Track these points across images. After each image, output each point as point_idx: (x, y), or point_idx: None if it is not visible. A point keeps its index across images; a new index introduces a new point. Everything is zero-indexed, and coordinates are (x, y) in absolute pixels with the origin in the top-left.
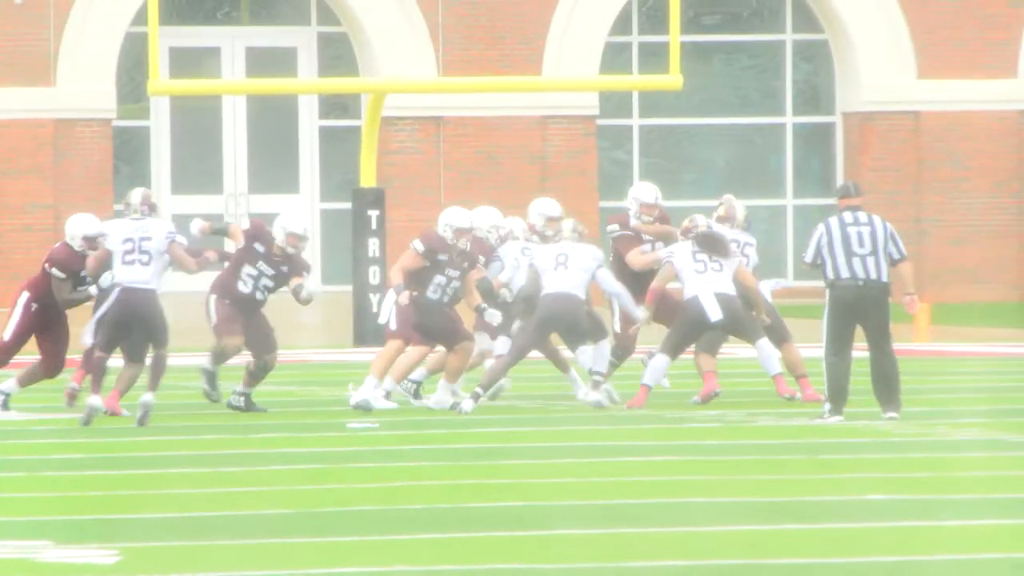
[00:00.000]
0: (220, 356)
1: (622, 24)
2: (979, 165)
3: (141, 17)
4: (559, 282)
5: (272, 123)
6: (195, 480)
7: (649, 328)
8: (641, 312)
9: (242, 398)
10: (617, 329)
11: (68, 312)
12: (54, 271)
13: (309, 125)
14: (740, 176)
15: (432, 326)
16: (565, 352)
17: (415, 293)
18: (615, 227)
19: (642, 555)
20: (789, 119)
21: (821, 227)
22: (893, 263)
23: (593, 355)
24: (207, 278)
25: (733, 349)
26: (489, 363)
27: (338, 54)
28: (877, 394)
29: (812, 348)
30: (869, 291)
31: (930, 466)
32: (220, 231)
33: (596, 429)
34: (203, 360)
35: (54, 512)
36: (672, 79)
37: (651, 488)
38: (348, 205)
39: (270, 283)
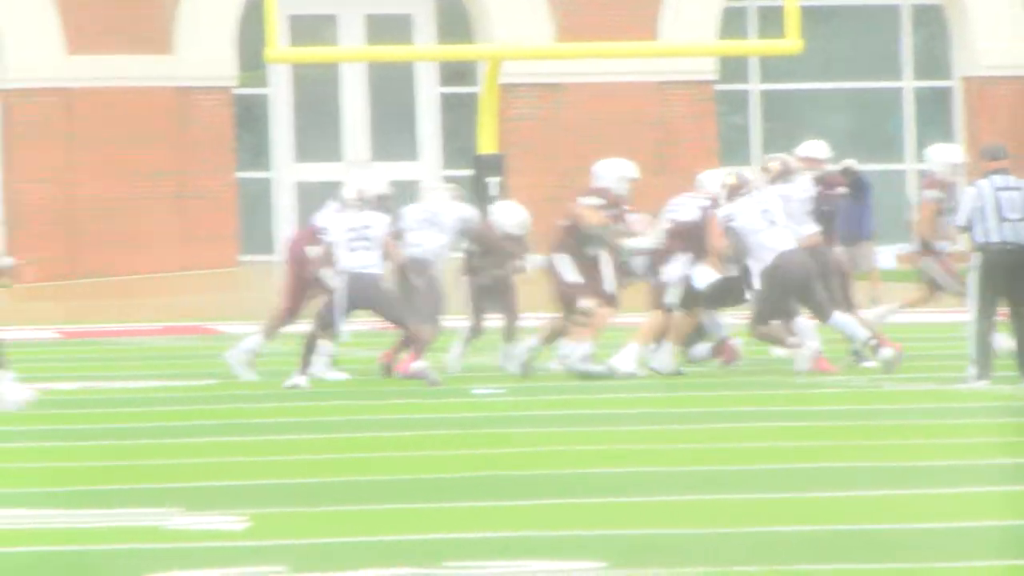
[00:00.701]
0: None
1: None
2: None
3: None
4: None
5: (391, 90)
6: (321, 446)
7: None
8: None
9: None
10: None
11: None
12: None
13: (428, 92)
14: (859, 140)
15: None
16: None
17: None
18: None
19: (757, 521)
20: (909, 83)
21: (972, 190)
22: None
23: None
24: None
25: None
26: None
27: (455, 20)
28: (1019, 360)
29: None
30: (1018, 256)
31: None
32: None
33: (713, 395)
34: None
35: (183, 479)
36: (790, 43)
37: (765, 454)
38: (469, 172)
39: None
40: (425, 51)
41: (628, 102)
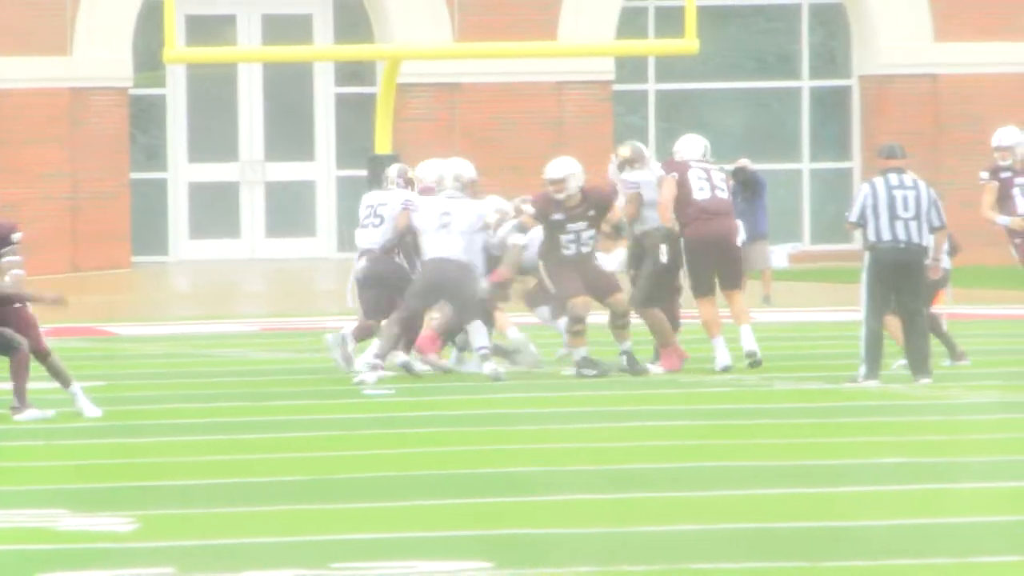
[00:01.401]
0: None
1: None
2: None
3: None
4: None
5: (288, 90)
6: (210, 447)
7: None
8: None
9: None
10: None
11: None
12: None
13: (325, 92)
14: (756, 140)
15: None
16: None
17: None
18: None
19: (652, 520)
20: (806, 83)
21: (866, 187)
22: (932, 230)
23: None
24: None
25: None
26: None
27: (354, 21)
28: (909, 359)
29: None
30: (909, 255)
31: (943, 429)
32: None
33: (609, 395)
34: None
35: (69, 481)
36: (688, 43)
37: (662, 452)
38: (363, 172)
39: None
40: (323, 51)
41: (526, 102)
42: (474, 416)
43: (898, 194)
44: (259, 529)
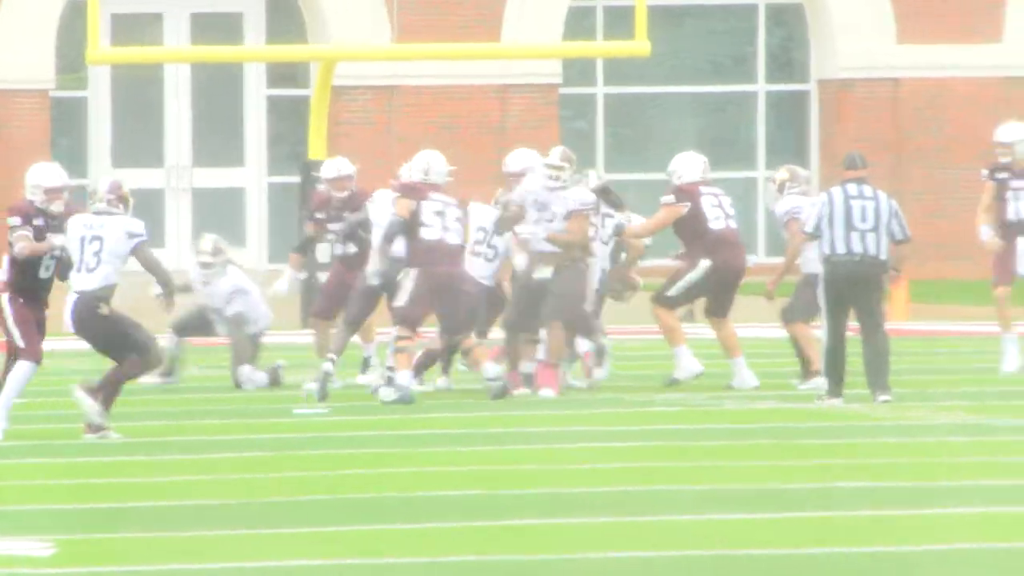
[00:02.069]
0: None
1: None
2: (961, 134)
3: None
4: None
5: (217, 93)
6: (129, 469)
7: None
8: None
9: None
10: None
11: None
12: None
13: (256, 95)
14: (710, 147)
15: None
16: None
17: None
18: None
19: (604, 546)
20: (762, 87)
21: (824, 197)
22: (896, 243)
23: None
24: None
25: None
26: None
27: (287, 20)
28: (868, 377)
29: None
30: (865, 268)
31: (903, 451)
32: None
33: (554, 414)
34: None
35: None
36: (639, 45)
37: (615, 476)
38: (296, 179)
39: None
40: (255, 51)
41: (468, 106)
42: (401, 437)
43: (856, 204)
44: (177, 555)
